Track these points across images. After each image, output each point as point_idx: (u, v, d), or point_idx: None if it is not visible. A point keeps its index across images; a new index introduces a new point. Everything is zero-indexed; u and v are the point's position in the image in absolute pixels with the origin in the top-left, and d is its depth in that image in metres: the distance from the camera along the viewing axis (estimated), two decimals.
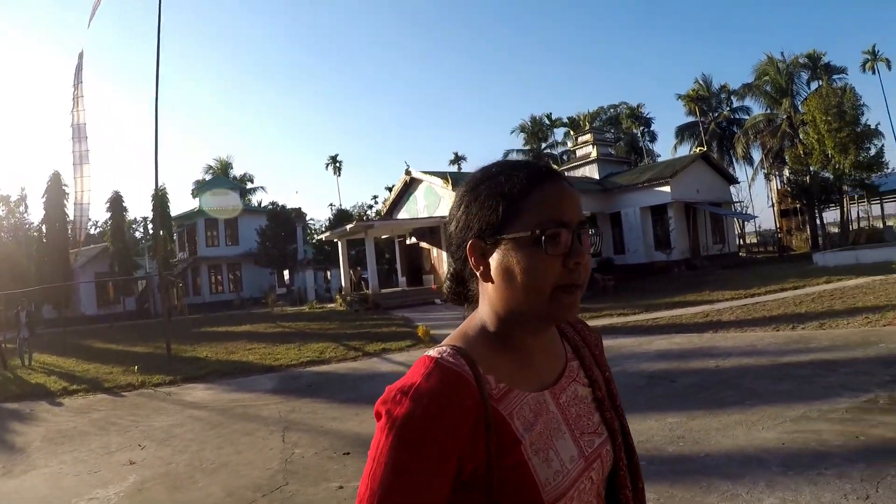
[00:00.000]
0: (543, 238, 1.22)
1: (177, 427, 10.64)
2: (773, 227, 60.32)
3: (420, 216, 38.11)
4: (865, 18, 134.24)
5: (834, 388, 8.91)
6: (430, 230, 37.30)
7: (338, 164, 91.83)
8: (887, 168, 46.70)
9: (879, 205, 56.04)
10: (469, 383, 1.21)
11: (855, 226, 50.54)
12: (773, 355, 11.85)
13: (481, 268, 1.31)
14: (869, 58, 64.76)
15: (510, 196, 1.28)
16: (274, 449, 8.76)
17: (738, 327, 15.58)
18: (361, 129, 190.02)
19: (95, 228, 73.32)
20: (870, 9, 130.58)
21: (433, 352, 1.27)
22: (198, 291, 54.67)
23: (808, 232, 51.78)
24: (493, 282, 1.30)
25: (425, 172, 38.15)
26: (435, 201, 37.29)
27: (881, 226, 50.34)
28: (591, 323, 13.72)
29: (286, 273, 56.42)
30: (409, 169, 38.93)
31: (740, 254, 50.06)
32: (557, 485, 1.24)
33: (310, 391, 12.89)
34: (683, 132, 65.94)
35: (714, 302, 21.28)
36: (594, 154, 45.75)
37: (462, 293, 1.46)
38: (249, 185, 72.89)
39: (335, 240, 40.54)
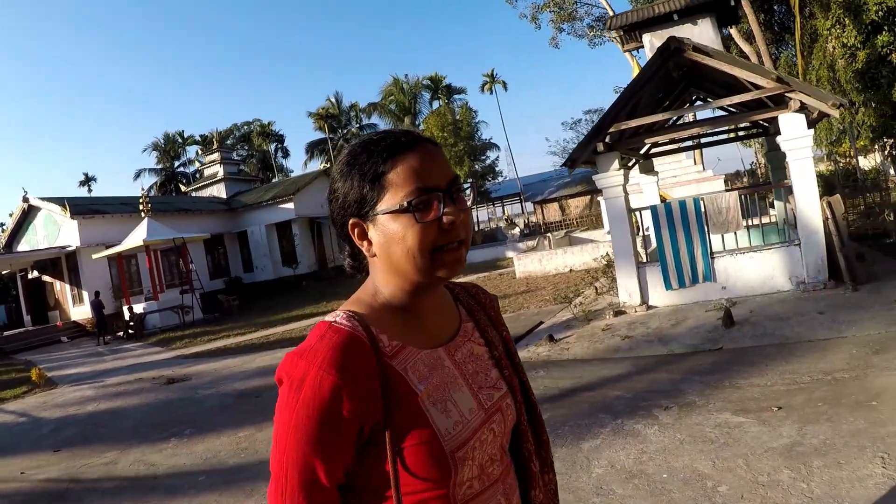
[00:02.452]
0: (413, 208, 1.28)
1: None
2: None
3: (40, 247, 35.43)
4: (487, 46, 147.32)
5: None
6: (52, 262, 35.11)
7: None
8: (501, 176, 51.24)
9: (501, 207, 61.32)
10: (362, 341, 1.27)
11: (479, 227, 54.56)
12: None
13: (364, 243, 1.37)
14: (488, 80, 70.09)
15: (375, 173, 1.32)
16: None
17: None
18: None
19: None
20: (493, 37, 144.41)
21: (328, 317, 1.34)
22: None
23: None
24: (376, 255, 1.36)
25: (43, 199, 35.39)
26: (55, 230, 34.76)
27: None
28: (207, 346, 13.90)
29: None
30: (27, 196, 35.51)
31: None
32: (457, 434, 1.30)
33: None
34: (314, 148, 67.56)
35: (327, 313, 21.88)
36: (221, 173, 45.97)
37: (358, 266, 1.50)
38: None
39: None
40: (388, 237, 1.31)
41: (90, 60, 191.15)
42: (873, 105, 17.58)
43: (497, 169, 52.40)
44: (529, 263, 23.15)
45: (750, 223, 13.39)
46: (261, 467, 7.31)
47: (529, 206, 55.44)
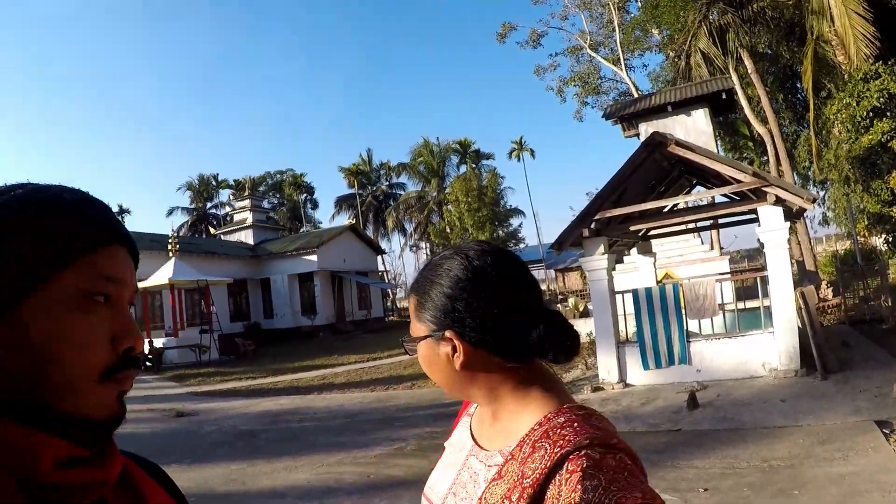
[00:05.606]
0: None
1: None
2: None
3: None
4: (519, 114, 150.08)
5: (379, 439, 10.77)
6: None
7: None
8: (523, 242, 52.18)
9: None
10: None
11: None
12: (352, 413, 13.68)
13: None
14: (516, 147, 71.43)
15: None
16: None
17: (341, 389, 17.41)
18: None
19: None
20: (524, 107, 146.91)
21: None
22: None
23: None
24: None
25: None
26: None
27: None
28: (219, 387, 14.78)
29: None
30: None
31: (389, 318, 52.96)
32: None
33: None
34: (342, 203, 68.89)
35: (337, 366, 23.16)
36: (250, 220, 47.06)
37: None
38: None
39: None
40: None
41: (133, 89, 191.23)
42: (872, 191, 17.63)
43: (520, 235, 53.34)
44: None
45: (744, 306, 14.04)
46: (245, 499, 8.13)
47: (552, 272, 55.93)
